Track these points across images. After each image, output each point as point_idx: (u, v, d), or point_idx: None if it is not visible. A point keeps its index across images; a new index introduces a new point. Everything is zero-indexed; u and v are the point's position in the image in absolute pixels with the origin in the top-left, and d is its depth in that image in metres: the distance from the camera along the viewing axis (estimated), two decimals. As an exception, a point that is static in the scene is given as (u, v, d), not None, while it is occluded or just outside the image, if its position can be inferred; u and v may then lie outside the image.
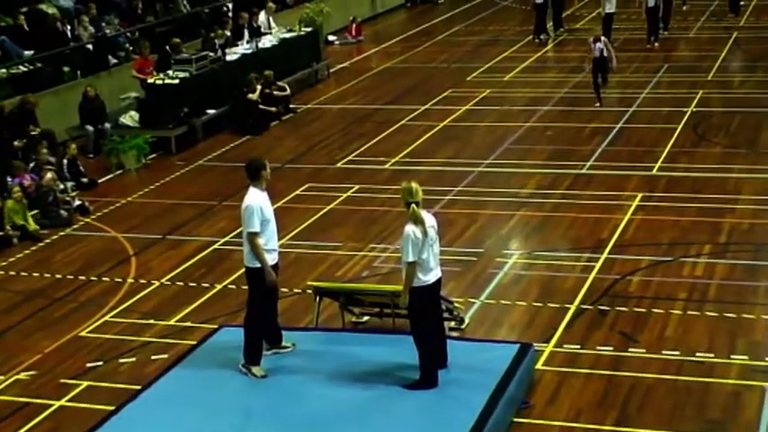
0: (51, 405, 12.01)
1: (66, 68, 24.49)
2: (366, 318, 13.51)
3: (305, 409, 10.80)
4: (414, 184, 10.96)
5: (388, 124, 23.62)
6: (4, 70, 23.43)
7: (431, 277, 10.92)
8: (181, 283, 15.40)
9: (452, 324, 13.13)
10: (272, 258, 11.44)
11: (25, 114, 21.15)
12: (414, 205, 10.84)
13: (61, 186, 19.07)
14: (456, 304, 13.29)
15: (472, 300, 14.10)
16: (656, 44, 30.16)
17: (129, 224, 18.17)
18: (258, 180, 11.49)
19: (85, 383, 12.47)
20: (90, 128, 22.52)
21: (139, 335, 13.74)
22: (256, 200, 11.34)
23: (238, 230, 16.52)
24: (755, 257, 15.12)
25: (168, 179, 20.72)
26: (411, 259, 10.72)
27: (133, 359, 13.03)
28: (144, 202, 19.45)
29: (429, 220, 10.96)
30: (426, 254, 10.81)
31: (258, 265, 11.33)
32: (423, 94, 26.39)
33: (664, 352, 12.35)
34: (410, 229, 10.76)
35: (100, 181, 20.73)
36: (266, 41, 27.24)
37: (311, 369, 11.59)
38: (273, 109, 24.35)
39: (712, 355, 12.25)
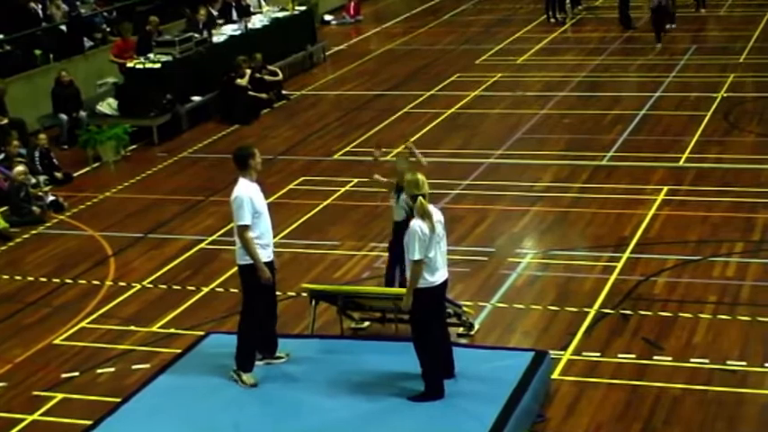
0: (23, 420, 12.02)
1: (37, 51, 24.50)
2: (366, 323, 13.52)
3: (300, 424, 10.82)
4: (419, 176, 11.01)
5: (390, 112, 23.63)
6: (-31, 54, 23.49)
7: (438, 278, 10.94)
8: (164, 286, 15.43)
9: (461, 330, 13.16)
10: (266, 255, 11.47)
11: (-8, 102, 21.21)
12: (421, 198, 10.87)
13: (33, 180, 19.09)
14: (465, 308, 13.31)
15: (482, 303, 14.11)
16: (659, 45, 28.14)
17: (107, 222, 18.19)
18: (247, 170, 11.49)
19: (60, 396, 12.48)
20: (64, 117, 22.55)
21: (119, 342, 13.76)
22: (246, 191, 11.35)
23: (226, 228, 16.60)
24: (792, 256, 15.17)
25: (150, 172, 20.75)
26: (417, 257, 10.73)
27: (112, 369, 13.05)
28: (123, 197, 19.47)
29: (436, 214, 10.99)
30: (433, 252, 10.83)
31: (250, 261, 11.36)
32: (428, 78, 26.41)
33: (692, 360, 12.37)
34: (416, 224, 10.78)
35: (75, 175, 20.76)
36: (256, 21, 27.26)
37: (307, 379, 11.61)
38: (264, 95, 24.38)
39: (745, 363, 12.26)
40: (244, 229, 11.33)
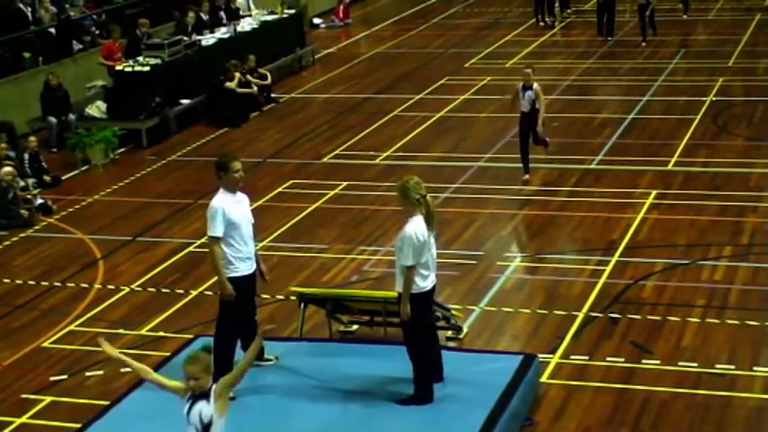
0: (11, 423, 12.00)
1: (26, 54, 24.46)
2: (355, 326, 13.53)
3: (288, 428, 10.81)
4: (417, 178, 10.92)
5: (379, 115, 23.64)
6: (-42, 56, 23.44)
7: (428, 283, 10.91)
8: (152, 289, 15.42)
9: (449, 333, 13.15)
10: (246, 267, 11.33)
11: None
12: (428, 197, 10.83)
13: (21, 183, 19.05)
14: (453, 312, 13.30)
15: (471, 307, 14.12)
16: (527, 176, 18.94)
17: (95, 225, 18.17)
18: (221, 181, 11.32)
19: (49, 399, 12.47)
20: (53, 120, 22.51)
21: (107, 346, 13.74)
22: (221, 202, 11.18)
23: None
24: (780, 260, 15.20)
25: (139, 175, 20.73)
26: (411, 263, 10.67)
27: (100, 372, 13.03)
28: (112, 200, 19.45)
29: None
30: (425, 257, 10.80)
31: (233, 275, 11.25)
32: (417, 82, 26.43)
33: (680, 363, 12.39)
34: (413, 230, 10.68)
35: (64, 178, 20.72)
36: (245, 25, 27.26)
37: (295, 383, 11.60)
38: (253, 89, 24.29)
39: (733, 366, 12.29)
40: (213, 240, 11.17)
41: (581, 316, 13.68)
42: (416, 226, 10.72)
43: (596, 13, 30.62)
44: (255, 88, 24.44)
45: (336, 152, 21.24)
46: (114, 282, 15.75)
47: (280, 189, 19.13)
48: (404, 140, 21.70)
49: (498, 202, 17.89)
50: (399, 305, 10.89)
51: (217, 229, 11.13)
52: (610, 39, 29.87)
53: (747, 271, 14.84)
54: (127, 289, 15.46)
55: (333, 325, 13.30)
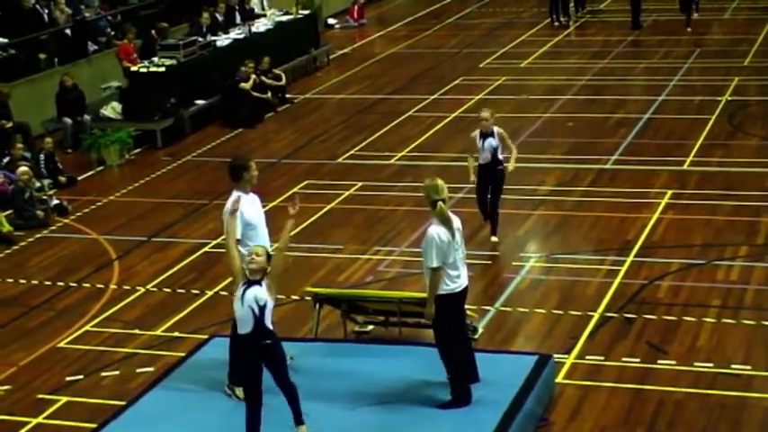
0: (27, 423, 12.04)
1: (41, 55, 24.53)
2: (370, 327, 13.53)
3: (303, 427, 10.83)
4: (439, 181, 10.93)
5: (394, 116, 23.64)
6: (-26, 58, 23.51)
7: (458, 284, 10.86)
8: (168, 290, 15.45)
9: (464, 334, 13.16)
10: None
11: (-3, 106, 21.23)
12: (441, 203, 10.83)
13: (37, 184, 19.13)
14: (468, 312, 13.28)
15: (486, 307, 14.12)
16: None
17: (111, 225, 18.21)
18: (240, 182, 11.31)
19: (64, 399, 12.51)
20: (68, 120, 22.57)
21: (123, 346, 13.78)
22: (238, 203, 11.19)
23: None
24: (796, 260, 15.16)
25: (154, 176, 20.76)
26: (435, 265, 10.66)
27: (116, 373, 13.06)
28: (127, 200, 19.50)
29: (455, 221, 10.93)
30: (452, 258, 10.77)
31: None
32: (431, 82, 26.42)
33: (696, 364, 12.37)
34: (435, 231, 10.70)
35: (79, 178, 20.78)
36: (260, 25, 27.30)
37: (310, 384, 11.59)
38: (268, 95, 24.31)
39: (749, 367, 12.26)
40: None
41: (596, 316, 13.67)
42: (438, 227, 10.73)
43: (630, 8, 30.70)
44: (270, 93, 24.47)
45: (351, 153, 21.25)
46: (130, 282, 15.78)
47: (294, 189, 19.12)
48: (418, 141, 21.70)
49: (513, 203, 17.85)
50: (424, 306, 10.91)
51: (236, 232, 11.13)
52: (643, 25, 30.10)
53: (763, 271, 14.80)
54: (142, 289, 15.50)
55: (348, 325, 13.31)
